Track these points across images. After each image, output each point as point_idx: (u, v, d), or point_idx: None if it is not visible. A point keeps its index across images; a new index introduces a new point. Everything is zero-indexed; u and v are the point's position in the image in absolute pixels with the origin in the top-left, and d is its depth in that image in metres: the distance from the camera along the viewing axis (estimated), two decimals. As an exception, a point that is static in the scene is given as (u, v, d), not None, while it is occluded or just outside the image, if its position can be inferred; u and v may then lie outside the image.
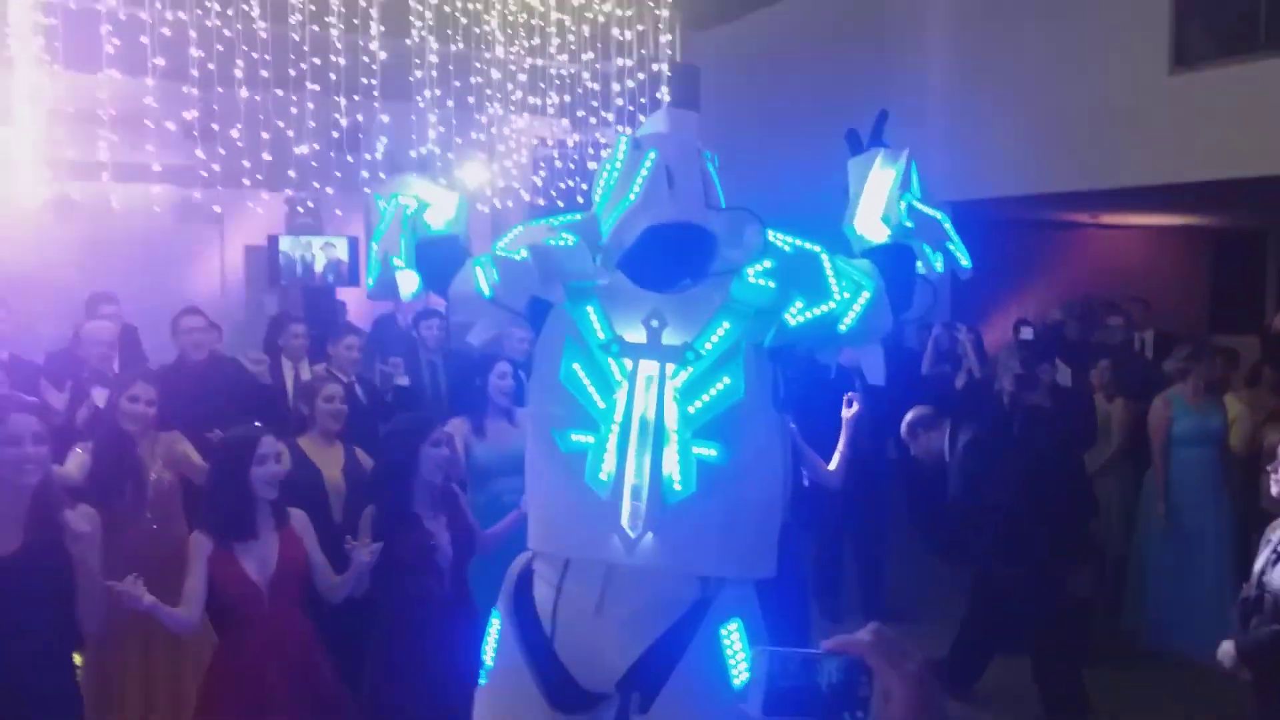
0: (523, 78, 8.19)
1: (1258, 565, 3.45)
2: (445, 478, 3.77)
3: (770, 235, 2.59)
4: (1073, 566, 5.21)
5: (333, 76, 7.38)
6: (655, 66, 8.26)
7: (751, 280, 2.48)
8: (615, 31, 8.06)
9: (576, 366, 2.52)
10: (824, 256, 2.58)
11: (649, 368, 2.47)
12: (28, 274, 8.12)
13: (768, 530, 2.56)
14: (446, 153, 8.10)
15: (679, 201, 2.51)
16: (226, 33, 6.94)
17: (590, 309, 2.53)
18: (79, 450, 4.10)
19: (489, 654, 2.70)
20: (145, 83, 6.70)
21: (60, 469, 3.88)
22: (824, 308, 2.48)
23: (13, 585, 3.05)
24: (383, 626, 3.68)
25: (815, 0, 11.40)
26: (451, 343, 6.47)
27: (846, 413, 4.44)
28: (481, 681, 2.73)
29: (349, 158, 7.97)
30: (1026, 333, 8.48)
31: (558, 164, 8.83)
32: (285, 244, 9.38)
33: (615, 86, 8.21)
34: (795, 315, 2.46)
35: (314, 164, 7.67)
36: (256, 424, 3.68)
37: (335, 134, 7.80)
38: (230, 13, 6.89)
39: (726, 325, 2.47)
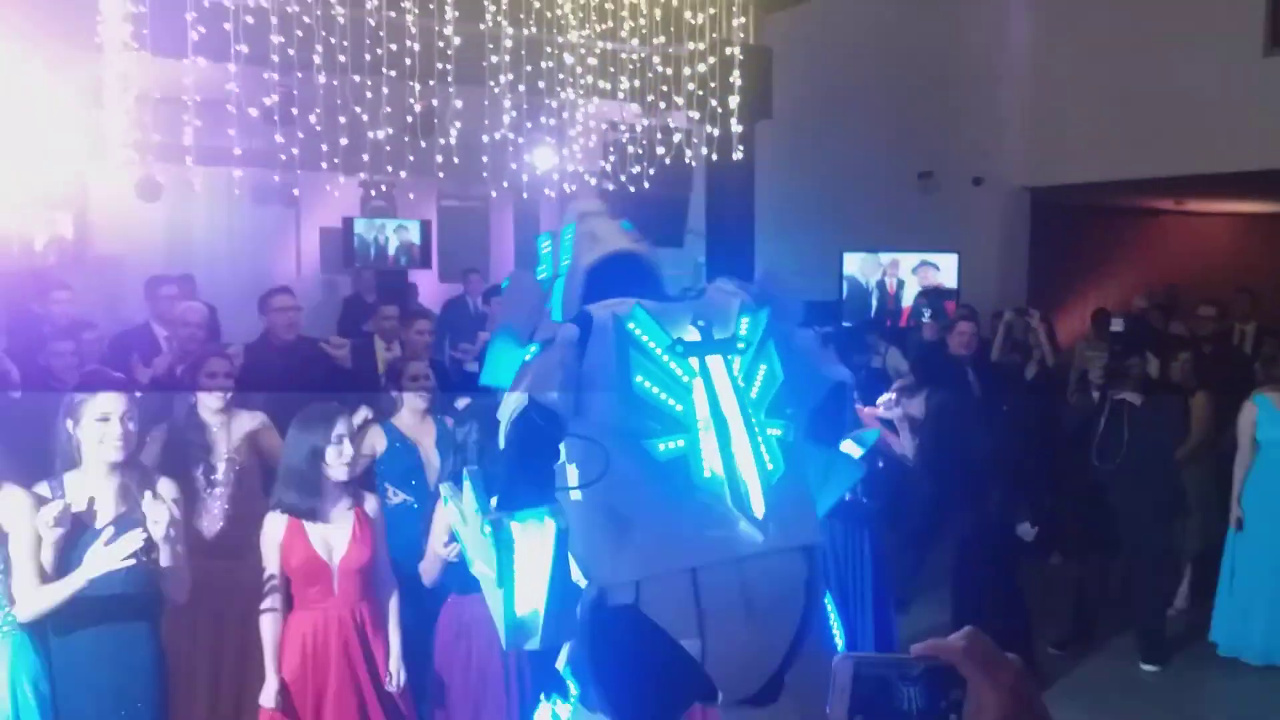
0: (593, 62, 8.19)
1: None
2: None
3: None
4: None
5: (408, 61, 7.45)
6: (728, 50, 8.18)
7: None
8: (687, 15, 8.00)
9: (640, 377, 2.53)
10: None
11: (715, 361, 2.55)
12: (116, 254, 8.40)
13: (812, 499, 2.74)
14: (517, 137, 8.14)
15: (605, 244, 2.71)
16: (305, 19, 7.05)
17: (640, 320, 2.59)
18: (155, 435, 4.19)
19: None
20: (228, 68, 6.85)
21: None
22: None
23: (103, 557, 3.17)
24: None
25: (891, -19, 11.20)
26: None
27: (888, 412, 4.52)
28: None
29: (422, 143, 8.05)
30: (1117, 324, 8.26)
31: (628, 149, 8.82)
32: (360, 227, 9.56)
33: (686, 70, 8.16)
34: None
35: (388, 148, 7.76)
36: (334, 404, 3.75)
37: (409, 119, 7.88)
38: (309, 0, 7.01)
39: (748, 319, 2.62)
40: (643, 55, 8.31)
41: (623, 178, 8.82)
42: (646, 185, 8.83)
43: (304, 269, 9.97)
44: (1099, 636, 5.95)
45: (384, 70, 7.35)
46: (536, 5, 7.80)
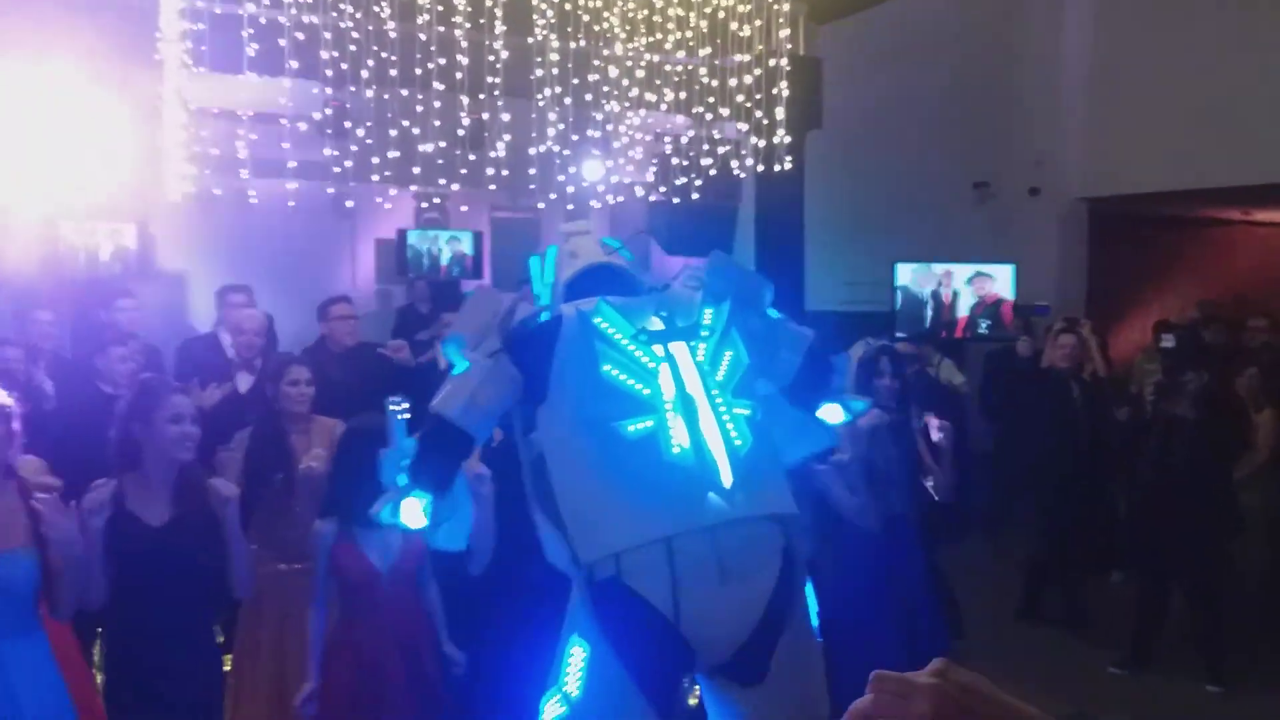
0: (640, 74, 8.22)
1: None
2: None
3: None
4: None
5: (457, 75, 7.57)
6: (773, 61, 8.16)
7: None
8: (734, 26, 8.00)
9: (608, 366, 2.75)
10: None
11: (679, 348, 2.79)
12: (177, 264, 8.64)
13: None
14: (564, 149, 8.21)
15: (581, 259, 3.06)
16: (356, 34, 7.21)
17: (605, 314, 2.84)
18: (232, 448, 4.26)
19: (573, 686, 2.62)
20: (281, 83, 7.02)
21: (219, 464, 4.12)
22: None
23: (164, 556, 3.25)
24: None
25: (944, -10, 11.08)
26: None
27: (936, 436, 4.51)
28: (564, 713, 2.64)
29: (472, 155, 8.16)
30: (1168, 340, 8.08)
31: (675, 160, 8.84)
32: (413, 238, 9.69)
33: (733, 82, 8.16)
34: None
35: (440, 161, 7.88)
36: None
37: (460, 132, 7.99)
38: (360, 15, 7.15)
39: (711, 310, 2.87)
40: (689, 67, 8.33)
41: (663, 189, 8.84)
42: (695, 196, 8.83)
43: (359, 280, 10.13)
44: (1164, 656, 5.79)
45: (434, 84, 7.48)
46: (584, 19, 7.87)
